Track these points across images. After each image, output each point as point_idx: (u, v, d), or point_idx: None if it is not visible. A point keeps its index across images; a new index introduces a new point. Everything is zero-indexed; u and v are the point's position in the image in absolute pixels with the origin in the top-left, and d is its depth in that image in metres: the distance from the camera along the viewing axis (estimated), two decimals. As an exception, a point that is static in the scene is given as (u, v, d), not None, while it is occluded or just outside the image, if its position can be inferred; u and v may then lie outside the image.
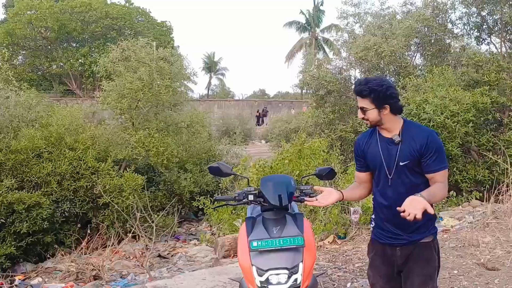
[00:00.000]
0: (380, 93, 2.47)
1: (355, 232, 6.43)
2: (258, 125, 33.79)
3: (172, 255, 7.74)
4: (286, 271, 2.72)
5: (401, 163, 2.53)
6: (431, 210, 2.30)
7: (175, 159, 9.39)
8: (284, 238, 2.79)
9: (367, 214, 6.51)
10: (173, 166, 9.89)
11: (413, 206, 2.25)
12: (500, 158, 7.91)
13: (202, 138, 10.94)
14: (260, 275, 2.73)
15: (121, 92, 8.79)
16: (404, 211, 2.25)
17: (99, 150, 8.48)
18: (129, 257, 7.56)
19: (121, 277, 6.21)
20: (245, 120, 30.44)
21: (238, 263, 2.96)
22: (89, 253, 7.33)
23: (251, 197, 3.05)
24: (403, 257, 2.59)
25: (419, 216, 2.23)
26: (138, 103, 8.90)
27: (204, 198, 8.58)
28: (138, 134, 8.65)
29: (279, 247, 2.76)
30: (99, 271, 6.37)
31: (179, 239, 9.06)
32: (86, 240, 7.31)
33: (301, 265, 2.76)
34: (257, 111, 35.93)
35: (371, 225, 2.82)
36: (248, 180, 3.34)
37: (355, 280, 4.80)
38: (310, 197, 3.18)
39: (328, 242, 6.24)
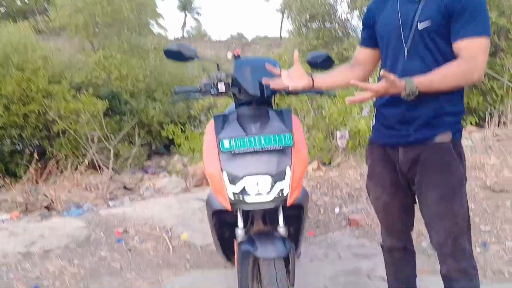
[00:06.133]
0: None
1: (342, 159, 5.79)
2: None
3: (138, 187, 7.04)
4: (269, 178, 2.00)
5: (420, 26, 1.71)
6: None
7: (141, 85, 8.45)
8: (267, 136, 2.04)
9: (355, 139, 5.87)
10: (139, 94, 8.97)
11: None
12: (495, 84, 7.35)
13: (173, 64, 9.91)
14: (234, 184, 2.01)
15: (75, 6, 7.64)
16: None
17: (53, 73, 7.47)
18: (90, 189, 6.83)
19: (77, 208, 5.50)
20: (221, 60, 29.16)
21: (204, 172, 2.23)
22: (44, 185, 6.57)
23: (222, 87, 2.27)
24: (408, 162, 1.81)
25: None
26: (96, 19, 7.79)
27: (174, 127, 7.81)
28: (98, 53, 7.63)
29: (260, 148, 2.02)
30: (53, 202, 5.64)
31: (148, 172, 8.35)
32: (40, 170, 6.52)
33: (288, 171, 2.03)
34: None
35: (372, 123, 2.06)
36: (217, 65, 2.52)
37: (344, 205, 4.20)
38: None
39: (312, 169, 5.59)
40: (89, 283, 2.76)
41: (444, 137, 1.75)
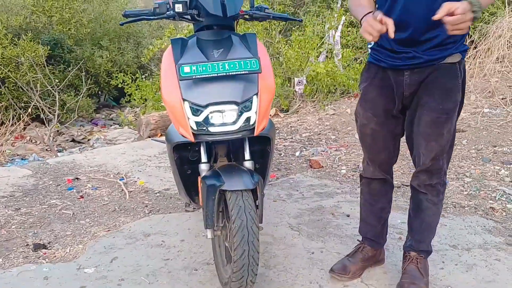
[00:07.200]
0: None
1: (299, 105, 5.71)
2: None
3: (88, 139, 6.68)
4: (235, 107, 1.85)
5: None
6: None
7: (85, 30, 7.85)
8: (231, 61, 1.87)
9: (312, 85, 5.78)
10: (85, 42, 8.37)
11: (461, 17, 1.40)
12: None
13: (121, 11, 9.28)
14: (196, 114, 1.84)
15: None
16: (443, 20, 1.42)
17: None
18: (36, 142, 6.42)
19: (22, 159, 5.14)
20: None
21: (163, 102, 2.04)
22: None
23: (179, 7, 2.04)
24: (413, 85, 1.74)
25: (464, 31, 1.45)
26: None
27: (123, 75, 7.40)
28: (36, -5, 6.96)
29: (224, 73, 1.85)
30: (-7, 155, 5.25)
31: (97, 125, 7.93)
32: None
33: (255, 100, 1.89)
34: None
35: (369, 46, 1.94)
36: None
37: (304, 149, 4.14)
38: (265, 11, 2.26)
39: (270, 116, 5.48)
40: (39, 230, 2.55)
41: (454, 58, 1.71)
